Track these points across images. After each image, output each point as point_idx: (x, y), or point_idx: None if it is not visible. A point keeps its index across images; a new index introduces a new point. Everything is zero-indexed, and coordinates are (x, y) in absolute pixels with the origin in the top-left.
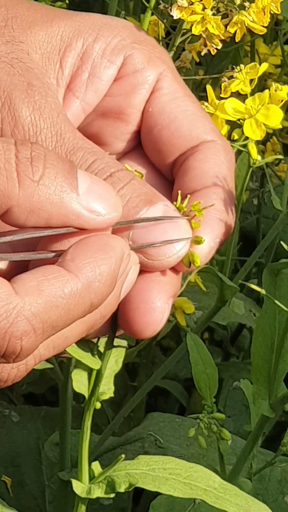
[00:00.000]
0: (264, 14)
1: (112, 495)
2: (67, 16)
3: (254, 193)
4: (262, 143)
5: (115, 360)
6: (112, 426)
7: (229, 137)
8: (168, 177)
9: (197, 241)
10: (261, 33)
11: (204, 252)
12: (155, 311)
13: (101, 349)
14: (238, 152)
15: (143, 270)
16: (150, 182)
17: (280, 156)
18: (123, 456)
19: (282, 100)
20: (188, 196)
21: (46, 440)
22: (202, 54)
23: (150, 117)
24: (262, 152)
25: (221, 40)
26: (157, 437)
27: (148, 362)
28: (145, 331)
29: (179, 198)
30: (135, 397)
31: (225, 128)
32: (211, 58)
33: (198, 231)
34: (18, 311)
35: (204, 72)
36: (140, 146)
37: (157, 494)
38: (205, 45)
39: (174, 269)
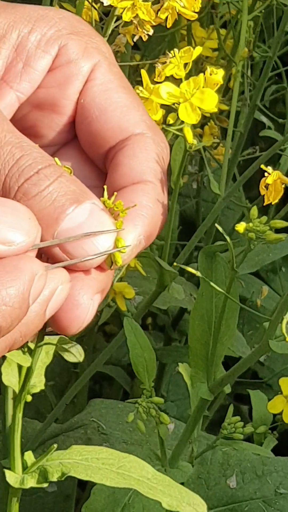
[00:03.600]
0: (195, 0)
1: (46, 485)
2: (3, 8)
3: (193, 177)
4: (200, 127)
5: (46, 352)
6: (55, 413)
7: (164, 121)
8: (102, 169)
9: (121, 251)
10: (192, 19)
11: (127, 251)
12: (79, 307)
13: (31, 345)
14: (175, 137)
15: (67, 268)
16: (85, 174)
17: (216, 140)
18: (55, 445)
19: (217, 84)
20: (115, 193)
21: None
22: (134, 40)
23: (82, 109)
24: (200, 136)
25: (158, 25)
26: (99, 423)
27: (90, 348)
28: (70, 327)
29: (105, 194)
30: (77, 383)
31: (160, 113)
32: (148, 42)
33: (122, 229)
34: None
35: (141, 56)
36: (77, 137)
37: None
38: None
39: (98, 267)
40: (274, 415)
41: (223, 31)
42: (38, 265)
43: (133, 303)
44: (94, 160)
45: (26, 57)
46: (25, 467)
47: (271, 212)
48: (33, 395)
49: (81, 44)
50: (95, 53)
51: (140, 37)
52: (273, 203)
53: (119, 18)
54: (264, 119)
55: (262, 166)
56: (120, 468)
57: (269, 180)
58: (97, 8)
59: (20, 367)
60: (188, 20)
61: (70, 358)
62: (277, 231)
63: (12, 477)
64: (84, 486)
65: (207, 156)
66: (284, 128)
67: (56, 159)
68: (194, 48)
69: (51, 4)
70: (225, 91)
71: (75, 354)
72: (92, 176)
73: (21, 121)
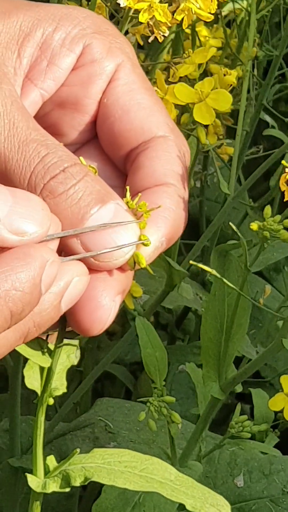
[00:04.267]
0: (211, 1)
1: (68, 489)
2: (27, 7)
3: (197, 176)
4: (205, 126)
5: (67, 356)
6: (62, 412)
7: (178, 121)
8: (122, 170)
9: (144, 243)
10: (208, 20)
11: (149, 252)
12: (101, 309)
13: (51, 346)
14: (186, 136)
15: (90, 269)
16: (105, 174)
17: (228, 140)
18: (78, 450)
19: (230, 85)
20: (139, 194)
21: None
22: (149, 41)
23: (105, 108)
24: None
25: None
26: (107, 422)
27: (93, 347)
28: (92, 329)
29: (128, 194)
30: (84, 384)
31: (174, 113)
32: (152, 41)
33: (144, 230)
34: None
35: (145, 55)
36: (97, 137)
37: None
38: (152, 32)
39: (120, 268)
40: (276, 413)
41: (228, 30)
42: (49, 252)
43: (139, 301)
44: (114, 160)
45: (50, 55)
46: (47, 472)
47: (274, 211)
48: (34, 393)
49: (105, 44)
50: (119, 53)
51: (159, 40)
52: None
53: (132, 19)
54: (267, 118)
55: (284, 162)
56: (142, 471)
57: None
58: (108, 6)
59: (42, 370)
60: (203, 21)
61: None
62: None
63: (34, 482)
64: (86, 485)
65: (212, 155)
66: None
67: (81, 158)
68: (198, 47)
69: (59, 3)
70: (231, 91)
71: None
72: (112, 177)
73: (43, 119)
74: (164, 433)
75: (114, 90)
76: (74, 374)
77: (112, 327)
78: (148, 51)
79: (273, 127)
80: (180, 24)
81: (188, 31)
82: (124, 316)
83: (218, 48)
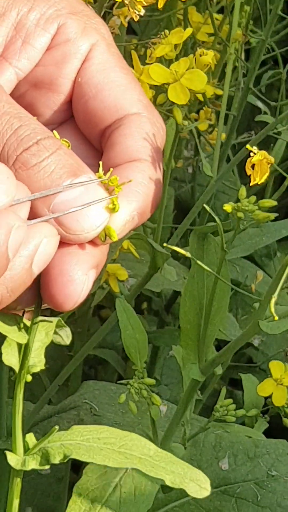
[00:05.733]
0: None
1: (47, 467)
2: None
3: (189, 161)
4: (197, 112)
5: (46, 333)
6: (47, 395)
7: (154, 102)
8: (98, 148)
9: (112, 208)
10: (184, 0)
11: (120, 225)
12: (74, 283)
13: (27, 322)
14: (167, 118)
15: (62, 242)
16: (81, 153)
17: (210, 122)
18: (57, 427)
19: (207, 65)
20: (111, 169)
21: None
22: (126, 21)
23: (79, 87)
24: (195, 121)
25: (154, 9)
26: (92, 405)
27: (83, 332)
28: (65, 303)
29: (101, 169)
30: (70, 365)
31: (150, 93)
32: (145, 27)
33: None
34: None
35: (138, 41)
36: (73, 117)
37: None
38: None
39: (92, 242)
40: (266, 398)
41: (219, 17)
42: (15, 217)
43: (126, 285)
44: (90, 139)
45: (25, 35)
46: (26, 449)
47: (266, 196)
48: None
49: (80, 24)
50: (93, 33)
51: (134, 20)
52: (259, 183)
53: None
54: (260, 104)
55: (248, 146)
56: (121, 447)
57: (255, 159)
58: None
59: (20, 347)
60: (183, 3)
61: (57, 339)
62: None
63: (14, 459)
64: (78, 469)
65: (202, 140)
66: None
67: (55, 132)
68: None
69: None
70: (221, 77)
71: (63, 336)
72: (89, 155)
73: (19, 100)
74: (149, 416)
75: (88, 69)
76: (65, 359)
77: (105, 313)
78: (141, 37)
79: (265, 113)
80: (162, 5)
81: (180, 16)
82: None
83: (210, 34)
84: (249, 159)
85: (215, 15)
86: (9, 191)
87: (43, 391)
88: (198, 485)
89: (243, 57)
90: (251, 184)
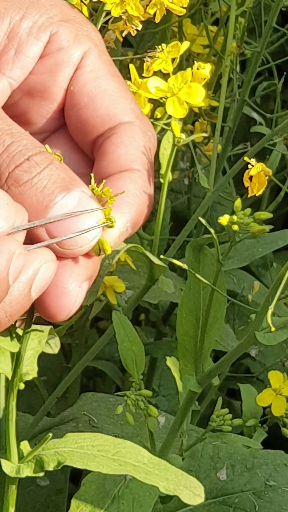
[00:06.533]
0: None
1: (42, 474)
2: None
3: (185, 173)
4: (192, 124)
5: (38, 341)
6: (46, 407)
7: (152, 115)
8: (90, 156)
9: (109, 225)
10: (180, 14)
11: (114, 237)
12: (67, 295)
13: (20, 331)
14: (163, 131)
15: (56, 256)
16: (74, 161)
17: (205, 134)
18: (50, 434)
19: (204, 78)
20: (104, 181)
21: None
22: (123, 35)
23: (72, 96)
24: (191, 132)
25: (149, 21)
26: (91, 416)
27: (81, 344)
28: (58, 314)
29: (93, 181)
30: (69, 377)
31: (148, 107)
32: (140, 39)
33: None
34: None
35: (134, 53)
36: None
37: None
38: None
39: (86, 254)
40: (264, 408)
41: (214, 28)
42: (16, 244)
43: (123, 297)
44: (82, 147)
45: (18, 44)
46: (21, 457)
47: (262, 207)
48: (25, 390)
49: (72, 31)
50: (85, 40)
51: (132, 34)
52: (257, 195)
53: (108, 13)
54: (255, 115)
55: (246, 158)
56: (116, 455)
57: (253, 172)
58: (86, 4)
59: (12, 355)
60: (178, 16)
61: (46, 348)
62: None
63: (8, 467)
64: (77, 481)
65: (198, 152)
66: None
67: (47, 146)
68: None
69: None
70: (216, 88)
71: (52, 345)
72: (81, 164)
73: (12, 108)
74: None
75: (80, 78)
76: (63, 371)
77: (103, 325)
78: (136, 50)
79: (261, 124)
80: (160, 19)
81: (175, 28)
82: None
83: (205, 46)
84: (246, 171)
85: (210, 27)
86: (9, 217)
87: (41, 403)
88: (192, 492)
89: (238, 69)
90: (248, 196)
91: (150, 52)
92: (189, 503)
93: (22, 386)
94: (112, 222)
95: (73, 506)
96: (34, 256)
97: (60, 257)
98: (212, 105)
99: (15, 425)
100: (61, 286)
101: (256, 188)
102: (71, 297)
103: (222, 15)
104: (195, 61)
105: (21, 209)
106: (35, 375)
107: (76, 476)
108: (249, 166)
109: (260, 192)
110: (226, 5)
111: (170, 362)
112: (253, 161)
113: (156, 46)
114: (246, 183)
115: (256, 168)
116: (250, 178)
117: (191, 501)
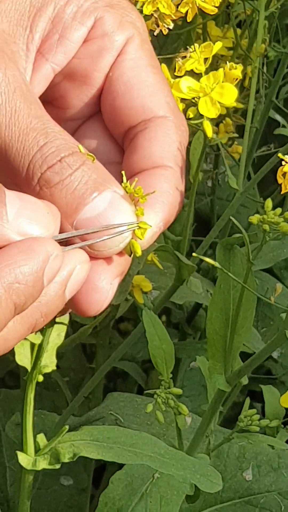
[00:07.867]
0: None
1: (58, 466)
2: None
3: (208, 174)
4: (216, 125)
5: (57, 334)
6: (73, 406)
7: (184, 115)
8: (122, 146)
9: (143, 228)
10: (212, 13)
11: (147, 238)
12: (99, 291)
13: None
14: (193, 131)
15: (89, 257)
16: (108, 149)
17: (235, 135)
18: (67, 427)
19: (236, 79)
20: (136, 179)
21: (6, 422)
22: (155, 34)
23: (110, 83)
24: (215, 134)
25: (173, 22)
26: (117, 416)
27: (105, 344)
28: (89, 310)
29: (125, 179)
30: (94, 378)
31: (180, 107)
32: (164, 40)
33: (143, 216)
34: None
35: (157, 55)
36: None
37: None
38: (157, 25)
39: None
40: (286, 409)
41: (238, 31)
42: (54, 246)
43: (149, 297)
44: (114, 136)
45: (62, 29)
46: (37, 450)
47: (285, 207)
48: (48, 390)
49: (117, 17)
50: (130, 27)
51: (157, 36)
52: None
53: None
54: (278, 117)
55: (280, 155)
56: (132, 446)
57: (286, 168)
58: None
59: (32, 347)
60: (204, 15)
61: None
62: None
63: (25, 459)
64: (99, 483)
65: (222, 153)
66: None
67: (80, 146)
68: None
69: None
70: (239, 90)
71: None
72: (115, 152)
73: (52, 91)
74: (174, 427)
75: (120, 65)
76: (87, 371)
77: (124, 326)
78: (160, 51)
79: (284, 126)
80: (186, 19)
81: (199, 30)
82: (136, 315)
83: (229, 48)
84: (280, 168)
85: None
86: (49, 225)
87: (64, 403)
88: (209, 480)
89: (264, 70)
90: (282, 192)
91: (182, 51)
92: (206, 491)
93: (41, 378)
94: (146, 226)
95: (101, 503)
96: (69, 257)
97: (92, 257)
98: (237, 107)
99: (32, 418)
100: (93, 282)
101: None
102: (102, 293)
103: (246, 17)
104: (219, 63)
105: (56, 214)
106: (54, 367)
107: (97, 478)
108: (283, 162)
109: None
110: (250, 7)
111: (200, 361)
112: (287, 157)
113: (188, 47)
114: (280, 179)
115: None
116: (284, 174)
117: (209, 488)
